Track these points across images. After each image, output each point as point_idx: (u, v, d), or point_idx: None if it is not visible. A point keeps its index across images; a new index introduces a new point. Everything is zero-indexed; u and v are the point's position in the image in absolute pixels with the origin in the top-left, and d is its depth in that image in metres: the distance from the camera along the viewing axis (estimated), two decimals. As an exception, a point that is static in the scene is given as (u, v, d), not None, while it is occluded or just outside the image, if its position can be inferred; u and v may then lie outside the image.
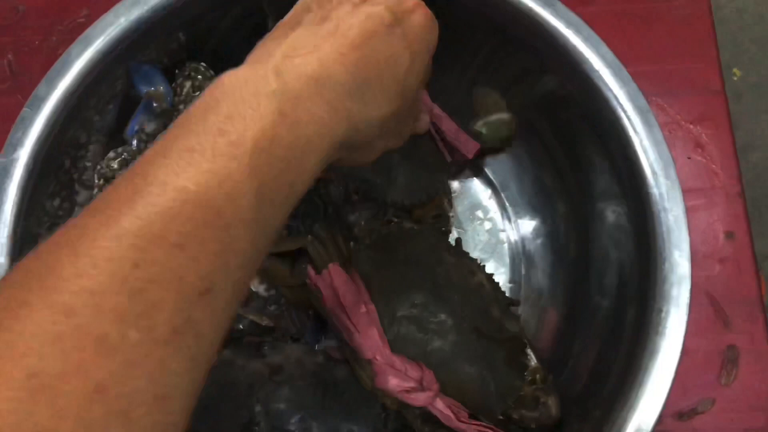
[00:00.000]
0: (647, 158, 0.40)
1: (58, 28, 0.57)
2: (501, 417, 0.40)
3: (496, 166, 0.53)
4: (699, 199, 0.53)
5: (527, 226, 0.52)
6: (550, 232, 0.50)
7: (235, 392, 0.38)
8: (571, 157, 0.47)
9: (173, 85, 0.45)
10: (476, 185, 0.53)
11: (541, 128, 0.48)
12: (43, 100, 0.40)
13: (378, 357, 0.37)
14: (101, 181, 0.44)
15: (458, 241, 0.45)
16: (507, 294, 0.47)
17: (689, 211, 0.39)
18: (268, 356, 0.40)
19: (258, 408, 0.37)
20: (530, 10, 0.43)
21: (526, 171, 0.51)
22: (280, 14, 0.31)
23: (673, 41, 0.58)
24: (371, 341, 0.37)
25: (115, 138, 0.45)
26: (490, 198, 0.53)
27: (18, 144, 0.39)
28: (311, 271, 0.40)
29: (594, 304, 0.44)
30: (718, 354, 0.50)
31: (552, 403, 0.40)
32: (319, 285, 0.39)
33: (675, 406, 0.49)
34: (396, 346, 0.38)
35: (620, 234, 0.42)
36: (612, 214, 0.43)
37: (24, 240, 0.40)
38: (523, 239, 0.52)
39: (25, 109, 0.40)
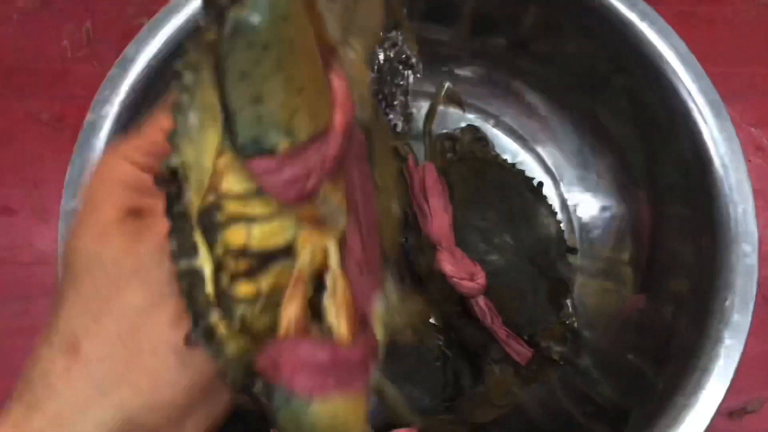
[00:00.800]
0: (717, 151, 0.41)
1: (134, 0, 0.59)
2: (526, 339, 0.44)
3: (556, 154, 0.53)
4: (758, 201, 0.53)
5: (588, 212, 0.52)
6: (609, 222, 0.50)
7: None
8: (637, 148, 0.47)
9: None
10: (538, 173, 0.54)
11: (606, 120, 0.49)
12: (131, 60, 0.42)
13: (443, 242, 0.42)
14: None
15: (540, 184, 0.49)
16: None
17: (748, 212, 0.39)
18: None
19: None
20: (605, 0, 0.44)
21: (588, 161, 0.52)
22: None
23: (737, 44, 0.58)
24: (441, 229, 0.43)
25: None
26: (549, 188, 0.53)
27: (106, 102, 0.41)
28: (411, 161, 0.46)
29: (656, 295, 0.44)
30: (770, 355, 0.50)
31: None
32: (413, 173, 0.45)
33: (725, 405, 0.48)
34: (459, 246, 0.43)
35: (685, 225, 0.43)
36: (678, 206, 0.44)
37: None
38: (581, 228, 0.52)
39: (113, 68, 0.42)
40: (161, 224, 0.20)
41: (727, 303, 0.37)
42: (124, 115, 0.41)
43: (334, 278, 0.20)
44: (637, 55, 0.43)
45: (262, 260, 0.20)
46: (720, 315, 0.37)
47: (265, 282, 0.20)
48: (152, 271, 0.21)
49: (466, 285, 0.42)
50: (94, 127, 0.40)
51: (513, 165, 0.49)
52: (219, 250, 0.19)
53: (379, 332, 0.22)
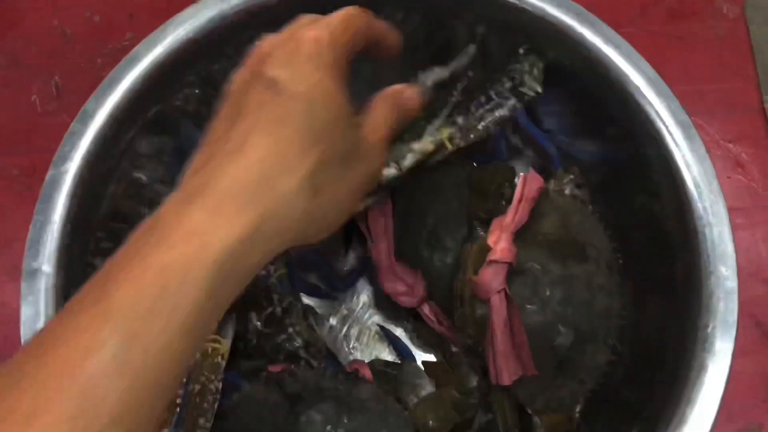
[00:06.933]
0: (690, 173, 0.40)
1: (103, 51, 0.59)
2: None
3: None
4: (740, 218, 0.52)
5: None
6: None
7: (260, 429, 0.38)
8: (607, 174, 0.46)
9: None
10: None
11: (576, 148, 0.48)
12: (91, 115, 0.41)
13: (383, 262, 0.44)
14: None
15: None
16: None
17: (730, 230, 0.38)
18: (285, 387, 0.39)
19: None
20: (569, 27, 0.43)
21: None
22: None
23: (710, 61, 0.58)
24: (381, 248, 0.44)
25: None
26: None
27: (66, 158, 0.40)
28: None
29: (635, 325, 0.43)
30: (763, 377, 0.49)
31: None
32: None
33: (721, 431, 0.47)
34: (403, 253, 0.45)
35: (660, 251, 0.42)
36: (650, 231, 0.43)
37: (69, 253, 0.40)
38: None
39: (74, 123, 0.41)
40: None
41: (709, 329, 0.36)
42: (85, 170, 0.40)
43: None
44: (603, 79, 0.43)
45: None
46: (702, 342, 0.36)
47: None
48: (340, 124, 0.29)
49: (405, 301, 0.45)
50: (56, 183, 0.40)
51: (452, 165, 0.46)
52: None
53: None
